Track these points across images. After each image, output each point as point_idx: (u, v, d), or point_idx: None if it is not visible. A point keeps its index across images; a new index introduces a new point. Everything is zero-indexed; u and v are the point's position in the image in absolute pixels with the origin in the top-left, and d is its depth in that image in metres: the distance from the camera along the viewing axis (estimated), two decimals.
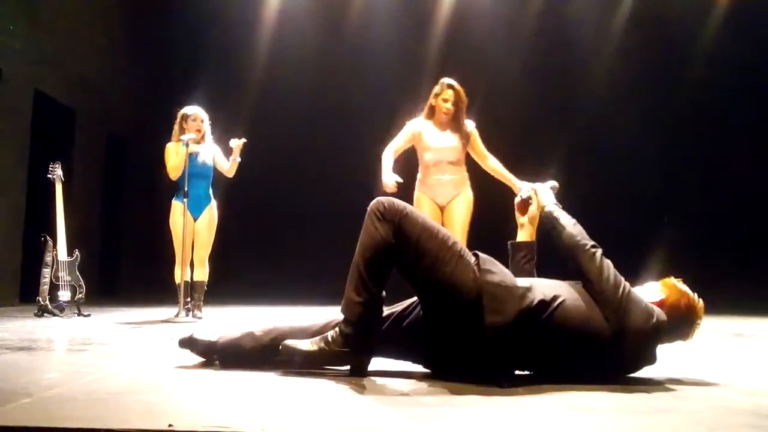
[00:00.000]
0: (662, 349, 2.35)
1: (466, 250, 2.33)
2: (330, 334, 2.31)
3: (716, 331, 4.95)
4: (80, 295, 5.60)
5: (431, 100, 4.62)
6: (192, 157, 5.44)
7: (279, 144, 9.96)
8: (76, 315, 5.46)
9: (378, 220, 2.28)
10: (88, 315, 5.47)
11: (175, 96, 7.77)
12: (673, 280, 2.45)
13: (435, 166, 4.57)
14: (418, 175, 4.71)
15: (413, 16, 10.30)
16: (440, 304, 2.27)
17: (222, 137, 5.74)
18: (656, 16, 9.89)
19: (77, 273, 5.67)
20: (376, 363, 2.43)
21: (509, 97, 9.85)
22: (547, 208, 2.51)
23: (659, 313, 2.27)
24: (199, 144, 5.53)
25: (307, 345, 2.31)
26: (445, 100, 4.54)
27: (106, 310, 6.18)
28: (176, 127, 5.57)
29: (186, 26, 10.21)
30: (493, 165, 4.64)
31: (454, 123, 4.54)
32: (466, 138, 4.56)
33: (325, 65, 10.29)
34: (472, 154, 4.66)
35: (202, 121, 5.57)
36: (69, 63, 8.22)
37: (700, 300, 2.42)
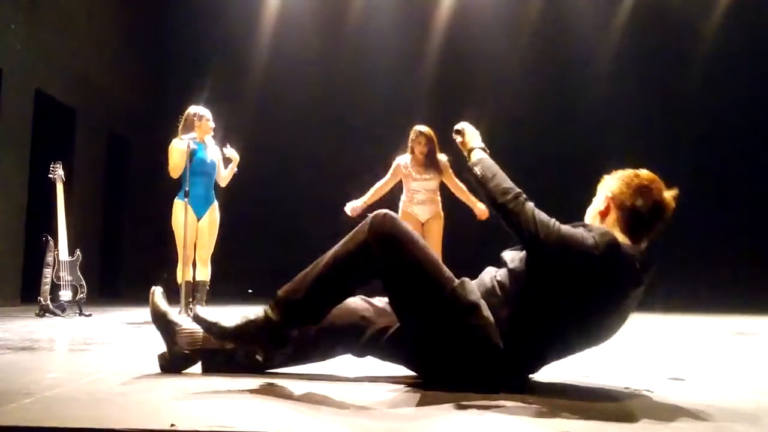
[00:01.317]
0: (664, 343, 2.34)
1: (452, 279, 2.15)
2: (253, 316, 2.19)
3: (718, 330, 4.95)
4: (81, 295, 5.61)
5: (410, 144, 5.64)
6: (194, 154, 5.42)
7: (280, 143, 9.96)
8: (77, 315, 5.46)
9: (371, 232, 2.13)
10: (90, 315, 5.47)
11: (176, 95, 7.78)
12: (606, 178, 2.25)
13: (417, 192, 5.64)
14: (403, 197, 5.72)
15: (414, 15, 10.30)
16: (425, 331, 2.15)
17: (222, 137, 5.73)
18: (658, 11, 9.89)
19: (78, 273, 5.67)
20: (379, 367, 2.42)
21: (508, 95, 9.87)
22: (473, 155, 2.28)
23: (599, 234, 2.03)
24: (203, 143, 5.51)
25: (227, 320, 2.20)
26: (420, 144, 5.56)
27: (107, 310, 6.18)
28: (181, 125, 5.52)
29: (186, 25, 10.21)
30: (461, 193, 5.65)
31: (430, 160, 5.60)
32: (439, 171, 5.62)
33: (326, 64, 10.30)
34: (447, 183, 5.67)
35: (212, 122, 5.59)
36: (69, 62, 8.22)
37: (642, 173, 2.19)
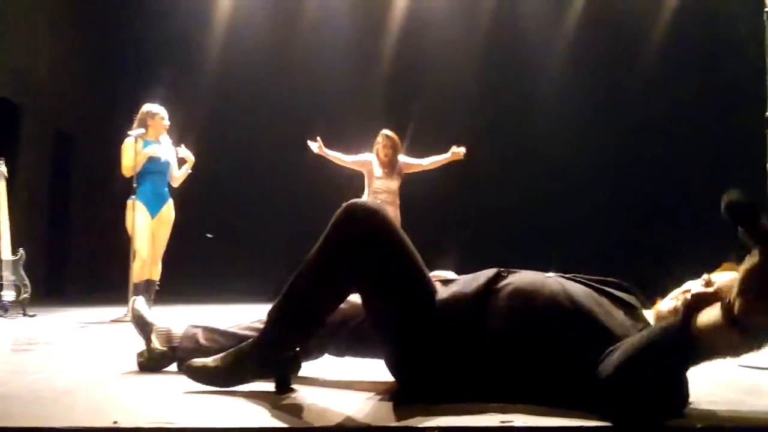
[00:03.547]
0: None
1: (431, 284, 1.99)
2: (242, 347, 2.00)
3: None
4: (25, 295, 5.49)
5: (376, 146, 5.99)
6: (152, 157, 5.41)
7: (232, 141, 9.88)
8: (20, 315, 5.35)
9: (350, 223, 1.89)
10: (34, 315, 5.36)
11: (124, 92, 7.65)
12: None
13: (379, 193, 5.93)
14: (364, 196, 5.95)
15: (368, 13, 10.33)
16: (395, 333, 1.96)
17: (173, 134, 5.69)
18: (608, 12, 10.10)
19: (22, 272, 5.55)
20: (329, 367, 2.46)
21: (461, 93, 9.97)
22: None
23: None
24: (157, 141, 5.48)
25: (214, 362, 2.01)
26: (385, 147, 5.92)
27: (52, 310, 6.06)
28: (136, 123, 5.47)
29: (136, 21, 10.05)
30: (429, 161, 6.04)
31: (393, 162, 5.97)
32: (400, 172, 5.99)
33: (280, 62, 10.24)
34: (414, 170, 6.06)
35: (166, 121, 5.56)
36: (13, 57, 8.02)
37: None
